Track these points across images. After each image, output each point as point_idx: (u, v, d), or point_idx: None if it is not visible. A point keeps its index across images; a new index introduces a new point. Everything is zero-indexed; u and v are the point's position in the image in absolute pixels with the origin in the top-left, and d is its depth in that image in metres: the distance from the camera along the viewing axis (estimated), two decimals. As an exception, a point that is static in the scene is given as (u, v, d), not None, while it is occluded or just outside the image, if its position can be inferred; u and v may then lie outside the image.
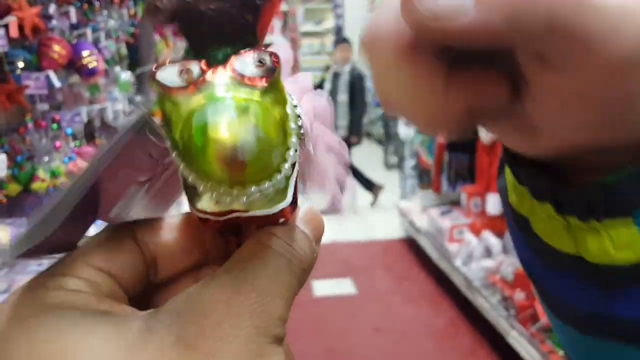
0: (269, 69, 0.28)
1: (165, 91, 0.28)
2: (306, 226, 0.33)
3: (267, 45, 0.31)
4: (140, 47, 2.36)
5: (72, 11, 1.64)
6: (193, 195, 0.30)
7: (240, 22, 0.29)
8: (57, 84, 1.53)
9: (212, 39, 0.29)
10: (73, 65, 1.64)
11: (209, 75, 0.28)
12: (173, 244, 0.33)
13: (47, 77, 1.52)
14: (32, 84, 1.50)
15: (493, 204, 2.98)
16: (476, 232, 3.03)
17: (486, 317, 2.60)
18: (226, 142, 0.25)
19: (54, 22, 1.61)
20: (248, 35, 0.29)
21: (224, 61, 0.28)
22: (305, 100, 0.41)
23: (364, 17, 7.97)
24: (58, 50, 1.54)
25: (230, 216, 0.31)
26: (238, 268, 0.29)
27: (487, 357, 2.55)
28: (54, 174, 1.61)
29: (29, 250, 0.31)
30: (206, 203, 0.31)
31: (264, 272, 0.29)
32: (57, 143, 1.66)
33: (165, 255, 0.33)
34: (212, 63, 0.28)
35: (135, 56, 2.33)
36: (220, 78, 0.28)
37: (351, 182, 0.42)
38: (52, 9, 1.57)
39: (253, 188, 0.29)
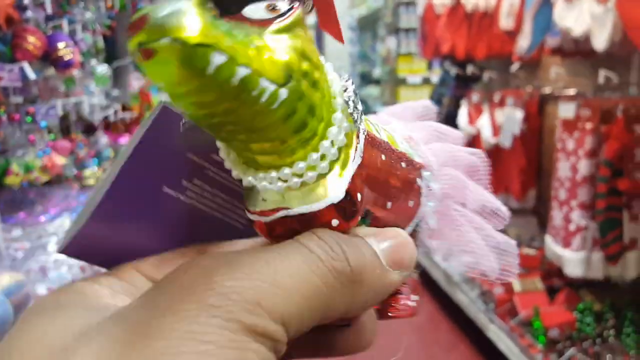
0: (283, 12, 0.25)
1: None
2: (378, 242, 0.28)
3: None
4: (118, 39, 2.33)
5: (48, 2, 1.60)
6: (245, 197, 0.29)
7: None
8: (31, 76, 1.49)
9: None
10: (48, 57, 1.60)
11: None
12: None
13: (21, 69, 1.48)
14: (6, 76, 1.46)
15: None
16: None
17: (466, 311, 2.61)
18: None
19: (29, 13, 1.57)
20: None
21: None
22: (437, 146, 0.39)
23: (342, 15, 7.96)
24: (33, 41, 1.50)
25: (277, 215, 0.28)
26: (248, 252, 0.25)
27: (466, 351, 2.56)
28: (27, 168, 1.57)
29: (71, 242, 0.30)
30: (254, 201, 0.29)
31: (273, 260, 0.24)
32: (32, 137, 1.63)
33: None
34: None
35: (112, 49, 2.30)
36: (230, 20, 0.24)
37: (513, 247, 0.39)
38: (26, -1, 1.54)
39: (286, 170, 0.27)
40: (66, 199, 1.80)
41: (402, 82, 5.20)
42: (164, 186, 0.32)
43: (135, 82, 2.43)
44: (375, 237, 0.28)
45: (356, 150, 0.28)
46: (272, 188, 0.27)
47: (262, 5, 0.25)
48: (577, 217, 2.04)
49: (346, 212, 0.28)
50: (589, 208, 2.02)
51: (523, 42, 2.33)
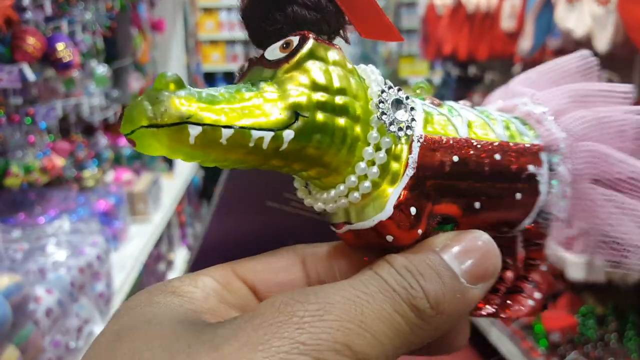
0: (294, 49, 0.26)
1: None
2: (458, 259, 0.27)
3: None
4: (118, 40, 2.33)
5: (47, 3, 1.59)
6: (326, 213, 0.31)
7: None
8: (31, 77, 1.49)
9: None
10: (48, 58, 1.60)
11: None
12: (339, 269, 0.32)
13: (21, 71, 1.48)
14: (5, 77, 1.46)
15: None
16: (457, 229, 3.03)
17: (467, 314, 2.60)
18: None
19: (29, 14, 1.57)
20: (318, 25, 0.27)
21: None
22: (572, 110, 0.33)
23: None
24: (32, 42, 1.50)
25: (345, 228, 0.30)
26: (335, 288, 0.25)
27: (468, 354, 2.55)
28: (27, 170, 1.57)
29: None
30: (330, 216, 0.31)
31: (344, 292, 0.24)
32: (31, 138, 1.62)
33: (332, 280, 0.31)
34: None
35: (112, 50, 2.29)
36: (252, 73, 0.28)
37: None
38: (26, 0, 1.53)
39: (330, 193, 0.29)
40: (65, 200, 1.80)
41: (404, 83, 5.20)
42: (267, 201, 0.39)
43: (135, 82, 2.42)
44: (453, 250, 0.27)
45: (406, 165, 0.28)
46: (337, 205, 0.29)
47: (278, 45, 0.27)
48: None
49: (401, 226, 0.28)
50: (590, 210, 2.01)
51: (525, 44, 2.33)
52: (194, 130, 0.23)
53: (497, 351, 2.25)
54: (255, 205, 0.39)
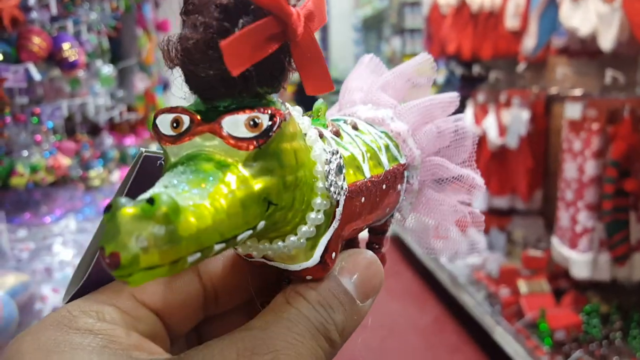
0: (264, 131, 0.26)
1: (158, 138, 0.27)
2: (351, 278, 0.31)
3: (273, 103, 0.28)
4: (123, 40, 2.33)
5: (53, 3, 1.60)
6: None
7: (239, 79, 0.26)
8: (37, 77, 1.49)
9: (214, 92, 0.27)
10: (53, 58, 1.60)
11: (197, 130, 0.26)
12: (232, 279, 0.34)
13: (27, 70, 1.48)
14: (11, 77, 1.46)
15: (478, 201, 2.98)
16: (462, 228, 3.02)
17: (471, 313, 2.60)
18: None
19: (34, 14, 1.57)
20: (251, 89, 0.27)
21: (219, 115, 0.26)
22: (421, 128, 0.41)
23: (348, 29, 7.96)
24: (38, 42, 1.51)
25: (257, 259, 0.32)
26: (259, 327, 0.28)
27: (472, 353, 2.55)
28: (33, 169, 1.57)
29: (76, 293, 0.32)
30: (243, 248, 0.32)
31: (285, 336, 0.28)
32: (37, 137, 1.63)
33: (226, 290, 0.34)
34: (209, 117, 0.27)
35: (118, 50, 2.30)
36: (204, 138, 0.26)
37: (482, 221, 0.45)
38: (32, 0, 1.54)
39: (265, 244, 0.30)
40: (71, 199, 1.80)
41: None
42: None
43: (140, 83, 2.43)
44: (349, 273, 0.32)
45: (334, 218, 0.31)
46: (267, 252, 0.31)
47: (243, 119, 0.26)
48: (584, 218, 2.03)
49: (324, 269, 0.31)
50: (595, 209, 2.01)
51: (529, 42, 2.32)
52: (192, 258, 0.23)
53: (502, 350, 2.25)
54: None
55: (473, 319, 2.59)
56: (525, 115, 2.60)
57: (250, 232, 0.26)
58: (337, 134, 0.35)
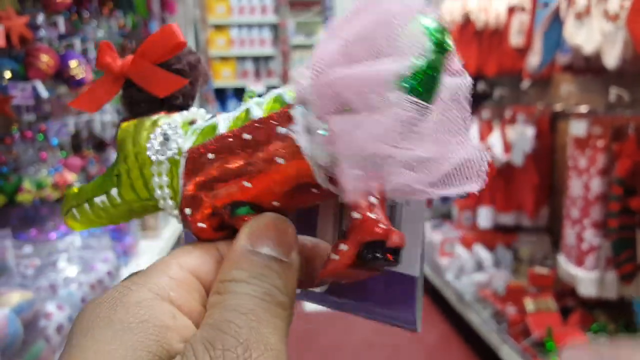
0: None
1: None
2: (270, 244, 0.32)
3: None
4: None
5: (61, 21, 1.62)
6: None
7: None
8: (44, 94, 1.51)
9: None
10: (61, 75, 1.62)
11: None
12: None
13: (34, 88, 1.50)
14: (19, 94, 1.48)
15: (484, 218, 2.97)
16: (467, 245, 3.02)
17: (478, 331, 2.58)
18: None
19: (42, 32, 1.59)
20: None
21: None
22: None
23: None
24: (46, 60, 1.52)
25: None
26: (211, 324, 0.29)
27: (478, 372, 2.53)
28: (39, 186, 1.58)
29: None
30: None
31: (247, 323, 0.28)
32: (43, 154, 1.64)
33: None
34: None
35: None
36: None
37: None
38: (40, 18, 1.56)
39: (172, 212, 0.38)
40: (77, 216, 1.81)
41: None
42: None
43: (147, 99, 2.44)
44: (259, 240, 0.32)
45: (178, 177, 0.36)
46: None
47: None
48: (590, 236, 2.02)
49: (190, 227, 0.36)
50: (601, 227, 2.00)
51: (534, 59, 2.33)
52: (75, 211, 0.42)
53: (508, 369, 2.23)
54: None
55: (479, 337, 2.57)
56: (530, 131, 2.60)
57: (104, 195, 0.40)
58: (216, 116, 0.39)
